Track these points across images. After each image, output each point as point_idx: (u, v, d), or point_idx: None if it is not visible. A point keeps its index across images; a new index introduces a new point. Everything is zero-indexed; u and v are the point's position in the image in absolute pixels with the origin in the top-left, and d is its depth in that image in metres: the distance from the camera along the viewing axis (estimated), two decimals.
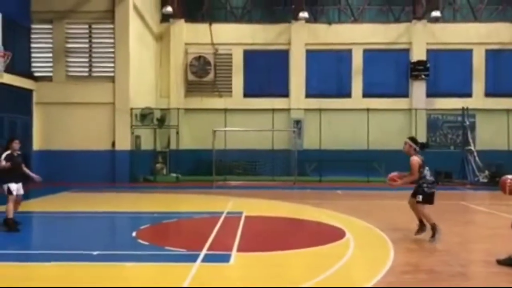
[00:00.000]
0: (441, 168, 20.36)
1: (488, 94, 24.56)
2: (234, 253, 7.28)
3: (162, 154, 23.20)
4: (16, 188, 9.36)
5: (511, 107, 23.27)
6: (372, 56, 24.54)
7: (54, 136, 19.73)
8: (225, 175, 21.04)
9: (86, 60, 20.37)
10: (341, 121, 23.36)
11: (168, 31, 24.71)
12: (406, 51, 24.62)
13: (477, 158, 21.01)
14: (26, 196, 12.28)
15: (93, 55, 20.37)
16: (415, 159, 8.12)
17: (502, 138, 22.97)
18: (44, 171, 18.94)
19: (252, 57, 24.70)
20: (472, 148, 21.50)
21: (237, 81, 24.82)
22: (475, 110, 23.42)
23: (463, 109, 22.46)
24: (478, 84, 24.65)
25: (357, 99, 24.37)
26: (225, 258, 6.94)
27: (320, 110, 22.16)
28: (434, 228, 8.08)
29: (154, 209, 12.76)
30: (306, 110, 23.85)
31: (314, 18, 25.27)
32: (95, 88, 19.91)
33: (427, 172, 8.19)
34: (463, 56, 24.58)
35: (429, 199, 8.13)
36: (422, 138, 22.90)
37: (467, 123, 22.18)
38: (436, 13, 23.33)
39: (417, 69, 24.20)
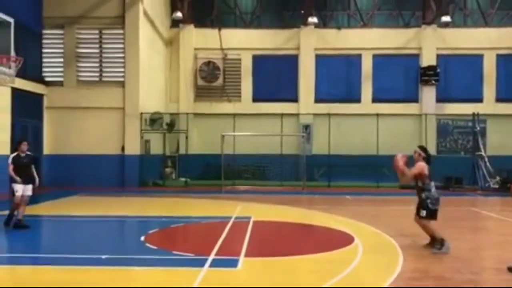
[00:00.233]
0: (452, 174, 20.19)
1: (499, 99, 24.38)
2: (242, 258, 7.26)
3: (171, 158, 23.27)
4: (20, 188, 9.53)
5: None
6: (381, 61, 24.46)
7: (65, 140, 19.88)
8: (234, 179, 21.04)
9: (97, 65, 20.53)
10: (350, 126, 23.27)
11: (177, 36, 24.85)
12: (416, 56, 24.52)
13: (488, 164, 20.82)
14: (36, 199, 12.40)
15: (104, 60, 20.54)
16: (423, 164, 8.02)
17: None
18: (54, 175, 19.29)
19: (261, 62, 24.73)
20: (483, 153, 21.32)
21: (246, 86, 24.87)
22: (486, 116, 23.23)
23: (473, 114, 22.27)
24: (489, 89, 24.49)
25: (366, 104, 24.29)
26: (233, 263, 6.93)
27: (329, 115, 22.11)
28: (442, 244, 7.81)
29: (162, 213, 12.77)
30: (315, 115, 23.79)
31: (323, 23, 25.27)
32: (106, 93, 20.05)
33: (433, 187, 7.98)
34: (473, 61, 24.43)
35: (433, 214, 7.96)
36: (432, 143, 22.79)
37: (478, 128, 22.01)
38: (446, 18, 23.24)
39: (427, 74, 24.08)
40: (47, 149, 19.77)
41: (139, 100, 20.06)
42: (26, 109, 18.36)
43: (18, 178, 9.53)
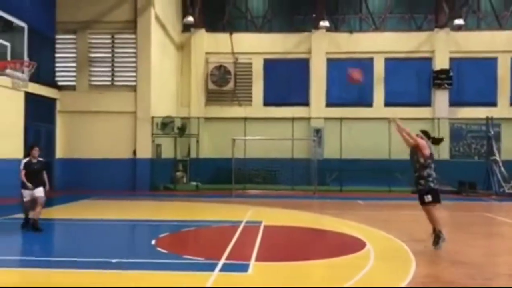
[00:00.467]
0: (465, 179, 19.95)
1: None
2: (252, 262, 7.22)
3: (182, 162, 23.33)
4: (28, 195, 9.64)
5: None
6: (394, 64, 24.30)
7: (77, 144, 20.04)
8: (245, 184, 21.01)
9: (109, 69, 20.70)
10: (362, 130, 23.07)
11: (189, 40, 24.94)
12: (429, 60, 24.32)
13: (502, 169, 20.52)
14: (48, 203, 12.47)
15: (116, 64, 20.70)
16: (423, 141, 8.35)
17: None
18: (67, 179, 19.44)
19: (272, 66, 24.72)
20: (497, 158, 21.04)
21: (257, 90, 24.86)
22: (500, 120, 22.94)
23: (487, 118, 22.00)
24: (503, 93, 24.19)
25: (378, 108, 24.11)
26: (244, 268, 6.88)
27: (341, 119, 21.99)
28: (438, 236, 8.09)
29: (173, 217, 12.79)
30: (326, 119, 23.69)
31: (335, 27, 25.20)
32: (117, 97, 20.20)
33: (432, 169, 8.23)
34: (487, 65, 24.15)
35: (436, 196, 8.18)
36: (445, 147, 22.52)
37: (492, 132, 21.73)
38: (459, 21, 23.04)
39: (440, 78, 23.87)
40: (59, 153, 19.95)
41: (151, 104, 20.16)
42: (39, 113, 18.55)
43: (29, 185, 9.60)
